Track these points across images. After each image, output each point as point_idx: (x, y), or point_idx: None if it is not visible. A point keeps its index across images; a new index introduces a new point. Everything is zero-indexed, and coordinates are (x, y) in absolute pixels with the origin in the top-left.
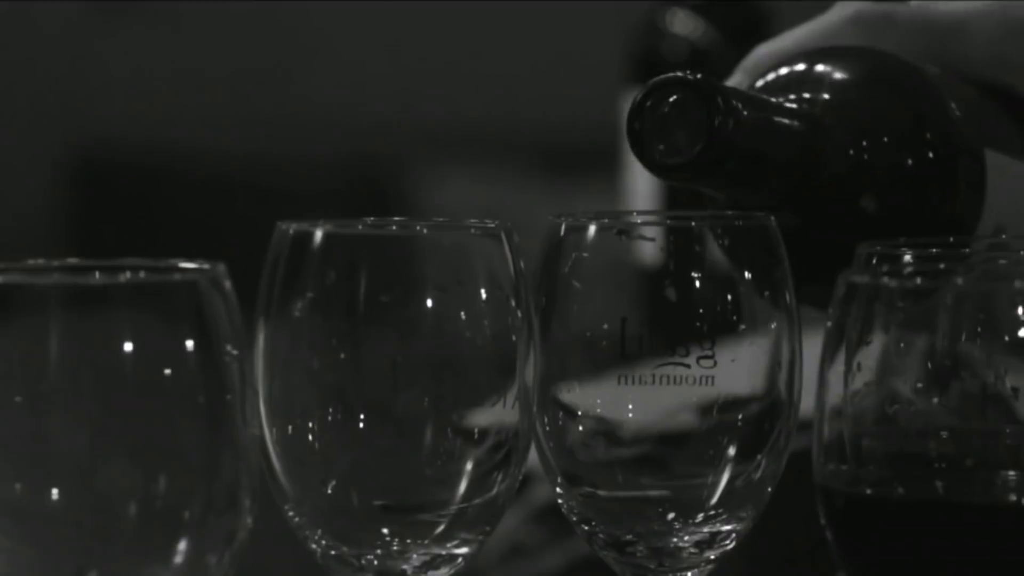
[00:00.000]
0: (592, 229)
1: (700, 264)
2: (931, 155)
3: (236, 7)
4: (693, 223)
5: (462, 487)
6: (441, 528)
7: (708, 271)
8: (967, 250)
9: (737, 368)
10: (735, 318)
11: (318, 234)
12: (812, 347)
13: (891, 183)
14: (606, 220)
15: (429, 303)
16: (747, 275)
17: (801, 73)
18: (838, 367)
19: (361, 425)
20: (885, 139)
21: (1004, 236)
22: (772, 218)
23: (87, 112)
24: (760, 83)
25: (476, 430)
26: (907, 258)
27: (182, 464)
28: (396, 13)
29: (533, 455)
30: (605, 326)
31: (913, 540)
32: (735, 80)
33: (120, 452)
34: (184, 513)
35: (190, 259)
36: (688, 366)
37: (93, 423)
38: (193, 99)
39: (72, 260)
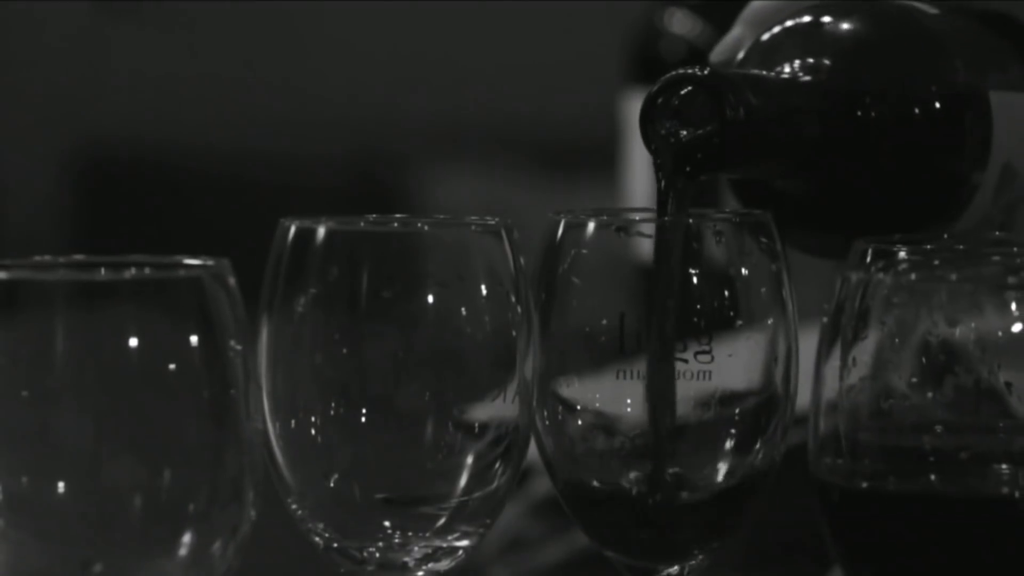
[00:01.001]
0: (591, 226)
1: (698, 261)
2: (937, 108)
3: (239, 6)
4: (691, 220)
5: (463, 480)
6: (442, 521)
7: (705, 268)
8: (961, 246)
9: (734, 363)
10: (732, 314)
11: (320, 231)
12: (808, 342)
13: (899, 143)
14: (605, 217)
15: (430, 299)
16: (744, 271)
17: (802, 32)
18: (834, 362)
19: (363, 419)
20: (892, 96)
21: (998, 234)
22: (769, 215)
23: (93, 110)
24: (765, 36)
25: (476, 424)
26: (902, 254)
27: (186, 458)
28: (399, 12)
29: (533, 449)
30: (604, 322)
31: (908, 533)
32: (736, 34)
33: (125, 446)
34: (188, 506)
35: (194, 255)
36: (686, 361)
37: (98, 417)
38: (197, 97)
39: (78, 256)
